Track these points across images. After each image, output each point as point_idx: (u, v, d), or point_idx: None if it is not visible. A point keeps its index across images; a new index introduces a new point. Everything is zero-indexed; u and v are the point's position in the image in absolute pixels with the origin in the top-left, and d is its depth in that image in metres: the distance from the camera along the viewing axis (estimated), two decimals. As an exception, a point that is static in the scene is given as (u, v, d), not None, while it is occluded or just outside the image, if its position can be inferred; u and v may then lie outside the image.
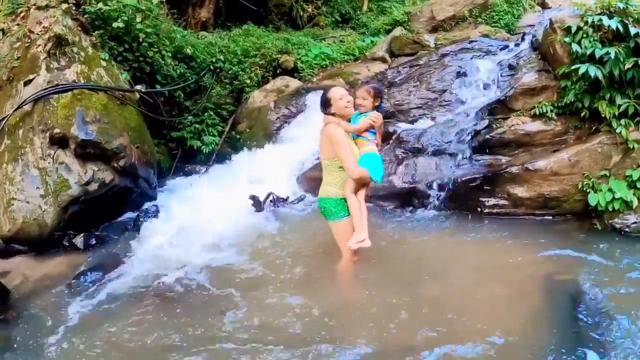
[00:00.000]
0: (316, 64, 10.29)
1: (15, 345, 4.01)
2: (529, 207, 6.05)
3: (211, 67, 9.50)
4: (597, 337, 3.74)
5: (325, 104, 4.74)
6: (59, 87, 6.06)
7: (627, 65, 5.63)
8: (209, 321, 4.16)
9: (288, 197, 6.96)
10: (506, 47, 8.38)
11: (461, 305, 4.24)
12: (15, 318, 4.40)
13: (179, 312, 4.31)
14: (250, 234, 5.93)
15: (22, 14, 6.74)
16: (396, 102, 7.87)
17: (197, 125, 8.83)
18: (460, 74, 7.81)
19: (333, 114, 4.70)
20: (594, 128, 6.10)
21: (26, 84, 6.12)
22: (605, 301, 4.21)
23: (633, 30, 5.64)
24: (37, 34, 6.39)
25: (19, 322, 4.34)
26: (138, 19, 7.33)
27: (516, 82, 6.72)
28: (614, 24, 5.69)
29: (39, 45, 6.30)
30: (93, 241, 5.86)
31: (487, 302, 4.28)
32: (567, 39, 6.07)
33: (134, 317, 4.28)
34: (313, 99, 8.85)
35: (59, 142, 5.86)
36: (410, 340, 3.80)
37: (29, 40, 6.39)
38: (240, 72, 9.74)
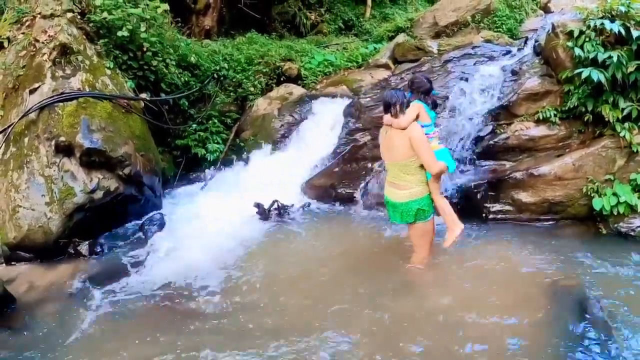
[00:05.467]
0: (320, 71, 10.33)
1: (21, 353, 4.02)
2: (533, 212, 6.04)
3: (215, 75, 9.53)
4: (603, 342, 3.72)
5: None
6: (64, 95, 6.10)
7: (630, 69, 5.64)
8: (214, 330, 4.16)
9: (293, 205, 6.96)
10: (509, 52, 8.37)
11: (466, 310, 4.23)
12: (21, 326, 4.41)
13: (184, 321, 4.31)
14: (256, 242, 5.95)
15: (27, 23, 6.79)
16: (399, 109, 7.86)
17: (202, 133, 8.85)
18: (464, 80, 7.80)
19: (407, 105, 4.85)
20: (597, 132, 6.09)
21: (31, 92, 6.17)
22: (611, 306, 4.20)
23: (635, 33, 5.63)
24: (43, 42, 6.44)
25: (25, 330, 4.35)
26: (142, 28, 7.38)
27: (519, 87, 6.71)
28: (616, 27, 5.69)
29: (44, 53, 6.35)
30: (98, 249, 5.88)
31: (492, 308, 4.26)
32: (569, 43, 6.07)
33: (139, 326, 4.29)
34: (317, 106, 8.89)
35: (64, 150, 5.90)
36: (414, 347, 3.80)
37: (35, 49, 6.45)
38: (244, 80, 9.77)
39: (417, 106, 4.95)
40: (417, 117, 4.89)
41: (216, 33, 11.98)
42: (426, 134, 4.87)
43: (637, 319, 4.02)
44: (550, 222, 6.01)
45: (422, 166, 4.70)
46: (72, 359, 3.89)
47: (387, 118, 4.81)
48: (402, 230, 6.03)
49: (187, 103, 8.75)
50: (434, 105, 5.33)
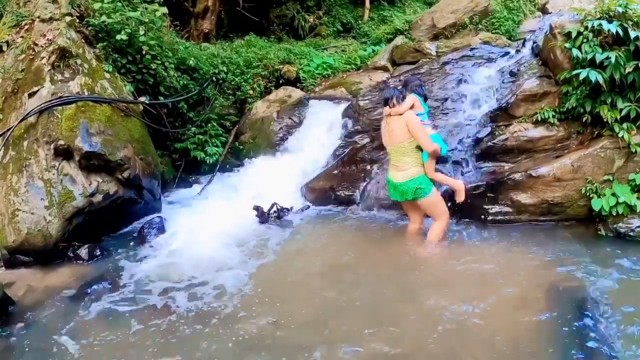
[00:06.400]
0: (318, 73, 10.34)
1: (19, 357, 4.02)
2: (532, 214, 6.05)
3: (214, 78, 9.54)
4: (603, 343, 3.72)
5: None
6: (63, 98, 6.10)
7: (628, 69, 5.64)
8: (214, 335, 4.15)
9: (292, 207, 6.97)
10: (507, 53, 8.38)
11: (466, 313, 4.23)
12: (20, 329, 4.40)
13: (184, 327, 4.31)
14: (255, 245, 5.95)
15: (26, 27, 6.79)
16: (398, 111, 7.88)
17: (201, 136, 8.85)
18: (462, 82, 7.82)
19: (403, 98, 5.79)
20: (596, 133, 6.10)
21: (30, 95, 6.16)
22: (611, 307, 4.20)
23: (633, 34, 5.64)
24: (41, 46, 6.44)
25: (24, 334, 4.34)
26: (141, 32, 7.38)
27: (517, 88, 6.72)
28: (613, 28, 5.70)
29: (43, 57, 6.35)
30: (97, 252, 5.87)
31: (491, 310, 4.26)
32: (567, 44, 6.08)
33: (138, 330, 4.28)
34: (316, 109, 8.90)
35: (64, 153, 5.90)
36: (414, 348, 3.80)
37: (33, 53, 6.44)
38: (243, 83, 9.79)
39: (412, 97, 5.88)
40: (413, 107, 5.74)
41: (215, 36, 12.01)
42: (421, 121, 5.69)
43: (637, 319, 4.02)
44: (550, 223, 6.01)
45: (418, 147, 5.51)
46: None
47: (386, 109, 5.71)
48: (401, 231, 6.06)
49: (186, 106, 8.75)
50: (425, 99, 6.19)
